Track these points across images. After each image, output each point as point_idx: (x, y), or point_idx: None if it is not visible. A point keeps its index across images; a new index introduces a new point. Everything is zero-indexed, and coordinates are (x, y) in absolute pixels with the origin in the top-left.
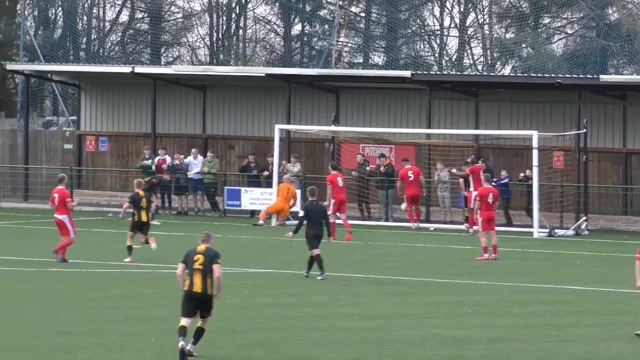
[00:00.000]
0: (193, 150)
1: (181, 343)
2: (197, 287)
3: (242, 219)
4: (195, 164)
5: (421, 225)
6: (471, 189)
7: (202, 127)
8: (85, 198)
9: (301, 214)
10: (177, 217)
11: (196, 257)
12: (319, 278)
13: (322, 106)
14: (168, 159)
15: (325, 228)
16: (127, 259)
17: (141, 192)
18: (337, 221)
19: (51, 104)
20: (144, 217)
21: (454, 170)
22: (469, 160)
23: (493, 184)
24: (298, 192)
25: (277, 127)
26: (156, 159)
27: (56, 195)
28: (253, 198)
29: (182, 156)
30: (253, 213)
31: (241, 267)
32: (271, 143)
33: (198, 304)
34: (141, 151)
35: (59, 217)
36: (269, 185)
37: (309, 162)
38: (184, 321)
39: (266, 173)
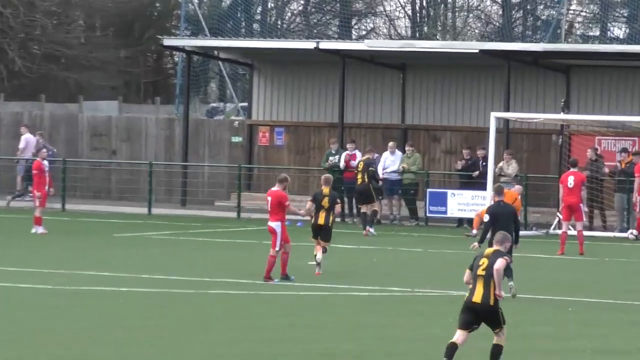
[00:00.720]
0: (390, 144)
1: None
2: (478, 297)
3: (447, 229)
4: (393, 160)
5: None
6: None
7: (400, 116)
8: (256, 203)
9: (485, 218)
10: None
11: (482, 262)
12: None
13: (548, 89)
14: (358, 154)
15: (515, 234)
16: (316, 271)
17: (326, 190)
18: (570, 232)
19: (217, 88)
20: (321, 220)
21: None
22: None
23: None
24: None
25: (494, 115)
26: (343, 155)
27: (270, 198)
28: (462, 203)
29: (374, 152)
30: (461, 222)
31: (446, 289)
32: (484, 135)
33: (479, 316)
34: (326, 145)
35: (272, 224)
36: (481, 187)
37: (531, 159)
38: (456, 336)
39: (476, 173)
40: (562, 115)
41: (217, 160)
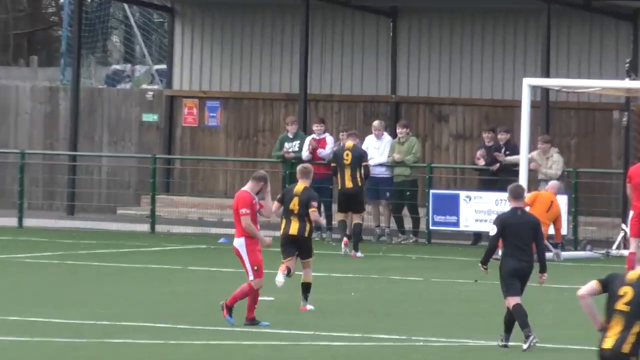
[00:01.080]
0: (375, 123)
1: None
2: (609, 343)
3: (458, 249)
4: (378, 148)
5: None
6: None
7: (389, 84)
8: (179, 211)
9: (492, 231)
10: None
11: (623, 291)
12: (524, 347)
13: (607, 45)
14: (329, 140)
15: (538, 256)
16: (270, 298)
17: (299, 186)
18: None
19: (121, 43)
20: (293, 229)
21: None
22: None
23: None
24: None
25: (527, 83)
26: (307, 140)
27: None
28: (481, 211)
29: (345, 134)
30: (478, 238)
31: (457, 336)
32: (513, 112)
33: None
34: (281, 127)
35: (235, 242)
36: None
37: (582, 146)
38: None
39: (496, 166)
40: (627, 83)
41: (121, 148)
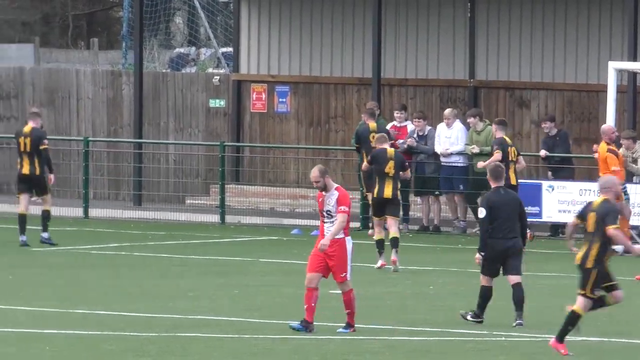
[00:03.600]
0: (447, 111)
1: None
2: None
3: (541, 241)
4: (448, 137)
5: None
6: None
7: (467, 68)
8: (249, 200)
9: (482, 213)
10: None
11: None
12: (468, 317)
13: None
14: (411, 128)
15: (521, 232)
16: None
17: (390, 151)
18: None
19: (186, 25)
20: (387, 191)
21: None
22: None
23: None
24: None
25: (613, 66)
26: (390, 125)
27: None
28: (564, 201)
29: (423, 122)
30: (557, 229)
31: (541, 330)
32: (598, 97)
33: None
34: (354, 113)
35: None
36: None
37: None
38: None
39: (542, 152)
40: None
41: (187, 135)
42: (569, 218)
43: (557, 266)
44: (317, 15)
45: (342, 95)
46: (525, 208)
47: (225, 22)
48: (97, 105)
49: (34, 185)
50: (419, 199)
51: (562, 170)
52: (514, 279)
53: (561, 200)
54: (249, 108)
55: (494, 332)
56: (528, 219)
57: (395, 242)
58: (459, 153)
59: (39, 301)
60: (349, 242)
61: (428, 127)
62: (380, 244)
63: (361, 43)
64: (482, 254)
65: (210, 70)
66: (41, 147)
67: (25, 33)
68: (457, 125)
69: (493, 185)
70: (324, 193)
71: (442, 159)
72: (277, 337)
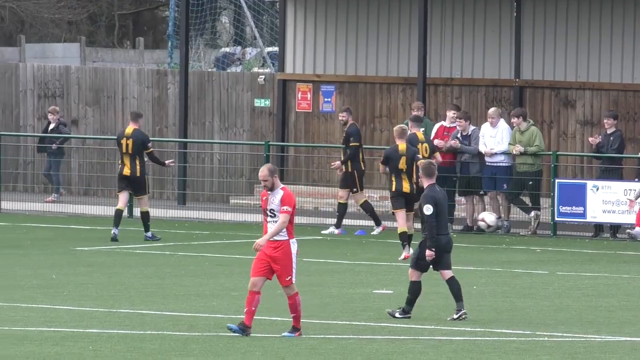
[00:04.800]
0: (491, 110)
1: None
2: None
3: (585, 241)
4: (493, 136)
5: None
6: None
7: (512, 67)
8: (308, 201)
9: (429, 210)
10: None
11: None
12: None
13: None
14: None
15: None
16: (389, 291)
17: (402, 146)
18: None
19: (231, 24)
20: (406, 186)
21: None
22: None
23: None
24: None
25: None
26: (435, 128)
27: None
28: (608, 201)
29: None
30: (599, 230)
31: (587, 331)
32: (638, 96)
33: None
34: (400, 112)
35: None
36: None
37: None
38: None
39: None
40: None
41: (232, 135)
42: (613, 218)
43: (600, 266)
44: (363, 14)
45: (387, 95)
46: (569, 208)
47: (271, 21)
48: (142, 104)
49: (132, 185)
50: (463, 199)
51: (610, 170)
52: (447, 273)
53: (605, 201)
54: (294, 107)
55: (537, 332)
56: (572, 219)
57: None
58: (503, 153)
59: (82, 300)
60: (294, 245)
61: (472, 127)
62: (403, 236)
63: (407, 42)
64: (433, 250)
65: (255, 69)
66: (146, 152)
67: (72, 32)
68: (502, 124)
69: (427, 183)
70: (268, 192)
71: (487, 159)
72: (320, 337)
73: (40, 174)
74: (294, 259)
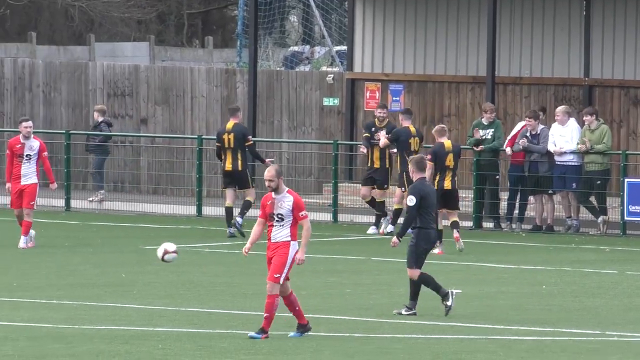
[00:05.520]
0: (559, 109)
1: None
2: None
3: None
4: (563, 135)
5: None
6: None
7: (582, 66)
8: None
9: (411, 201)
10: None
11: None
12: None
13: None
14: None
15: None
16: (458, 290)
17: (448, 144)
18: None
19: (300, 23)
20: (447, 183)
21: None
22: None
23: None
24: None
25: None
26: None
27: None
28: None
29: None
30: None
31: None
32: None
33: None
34: (469, 111)
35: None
36: None
37: None
38: None
39: None
40: None
41: (301, 133)
42: None
43: None
44: (432, 13)
45: (456, 94)
46: (636, 208)
47: (339, 20)
48: (211, 103)
49: (236, 180)
50: (532, 198)
51: None
52: (416, 273)
53: None
54: (363, 106)
55: (607, 332)
56: (636, 218)
57: (455, 224)
58: (572, 152)
59: (151, 299)
60: (293, 247)
61: (541, 126)
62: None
63: (475, 41)
64: (400, 239)
65: (324, 68)
66: (246, 144)
67: (141, 31)
68: (572, 123)
69: (417, 176)
70: (274, 195)
71: (556, 158)
72: (389, 336)
73: (107, 172)
74: (289, 260)
